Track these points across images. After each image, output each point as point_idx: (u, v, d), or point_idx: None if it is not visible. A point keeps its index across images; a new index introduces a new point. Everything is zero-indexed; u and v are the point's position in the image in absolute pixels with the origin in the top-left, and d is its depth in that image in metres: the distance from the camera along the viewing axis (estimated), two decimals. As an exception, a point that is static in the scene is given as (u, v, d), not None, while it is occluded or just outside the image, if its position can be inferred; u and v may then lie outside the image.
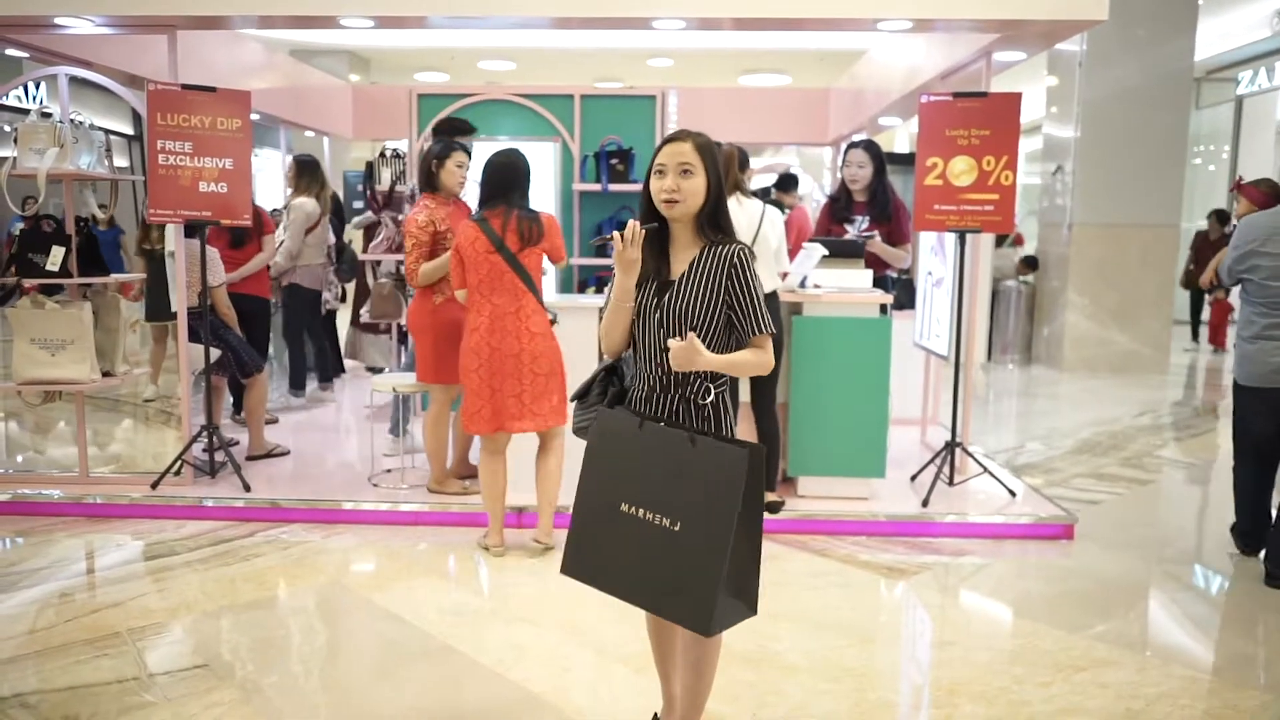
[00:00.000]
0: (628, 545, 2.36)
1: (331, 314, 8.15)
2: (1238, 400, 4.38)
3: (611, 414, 2.49)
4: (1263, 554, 4.32)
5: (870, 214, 5.62)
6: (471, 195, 4.90)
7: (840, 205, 5.72)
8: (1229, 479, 4.64)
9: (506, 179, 4.19)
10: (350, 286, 8.28)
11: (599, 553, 2.42)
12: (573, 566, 2.47)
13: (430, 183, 4.76)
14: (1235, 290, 4.72)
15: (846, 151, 5.74)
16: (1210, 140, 14.42)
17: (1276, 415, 4.18)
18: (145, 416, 7.07)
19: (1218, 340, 11.33)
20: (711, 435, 2.38)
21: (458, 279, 4.24)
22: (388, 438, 5.88)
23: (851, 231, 5.61)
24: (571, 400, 2.71)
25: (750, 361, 2.44)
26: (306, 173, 6.93)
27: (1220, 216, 11.11)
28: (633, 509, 2.35)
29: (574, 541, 2.47)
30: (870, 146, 5.64)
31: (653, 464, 2.36)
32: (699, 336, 2.41)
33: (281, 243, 6.80)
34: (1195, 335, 11.98)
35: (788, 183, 8.51)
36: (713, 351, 2.42)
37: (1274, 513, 4.41)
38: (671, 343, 2.36)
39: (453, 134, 5.21)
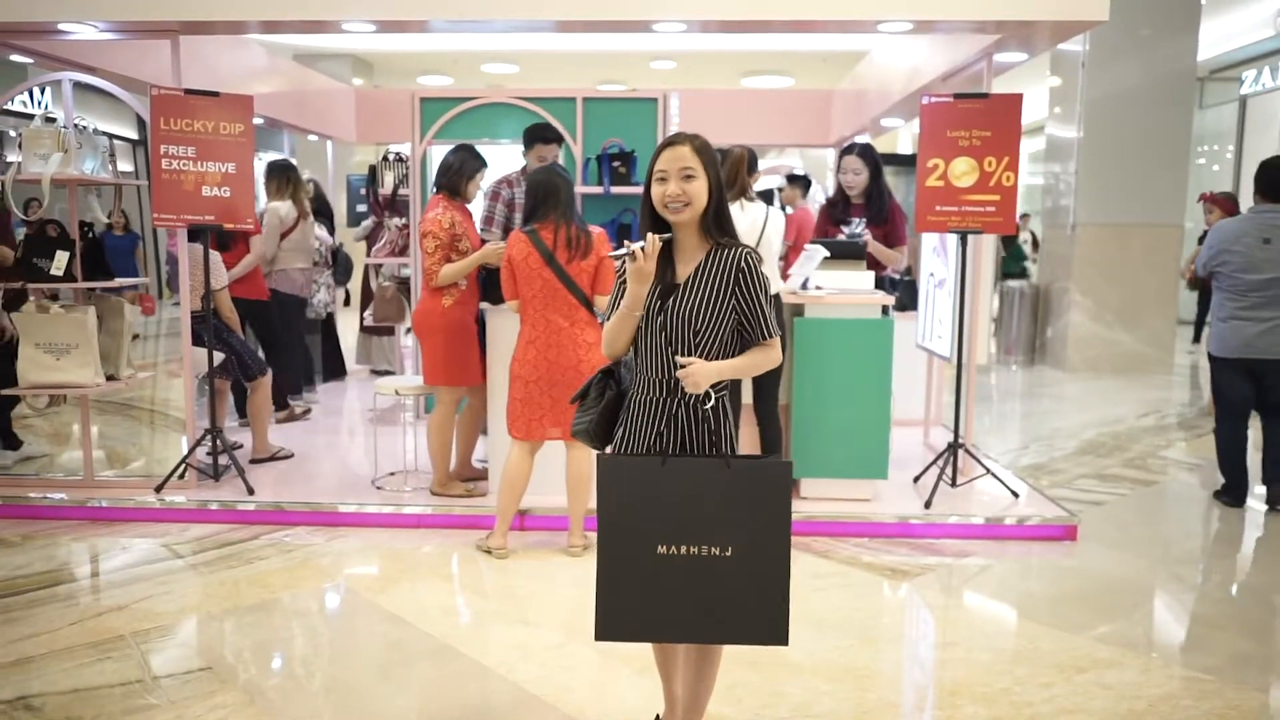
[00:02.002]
0: (676, 587, 2.28)
1: (330, 317, 8.16)
2: (1215, 370, 5.28)
3: (620, 460, 2.39)
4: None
5: (867, 216, 5.64)
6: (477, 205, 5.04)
7: (838, 209, 5.75)
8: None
9: (550, 191, 4.19)
10: (354, 290, 8.30)
11: (643, 604, 2.30)
12: (614, 628, 2.33)
13: (454, 189, 4.82)
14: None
15: (842, 157, 5.74)
16: (1214, 140, 14.39)
17: (1247, 379, 5.13)
18: (150, 420, 7.10)
19: None
20: (731, 454, 2.40)
21: (509, 290, 4.25)
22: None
23: (846, 234, 5.63)
24: (571, 402, 2.72)
25: (759, 361, 2.46)
26: (276, 176, 6.84)
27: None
28: (673, 548, 2.29)
29: (608, 601, 2.33)
30: (865, 152, 5.66)
31: (686, 497, 2.30)
32: (704, 340, 2.42)
33: None
34: (1197, 338, 11.87)
35: (797, 181, 8.52)
36: (719, 355, 2.44)
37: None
38: (681, 373, 2.37)
39: (542, 141, 5.39)
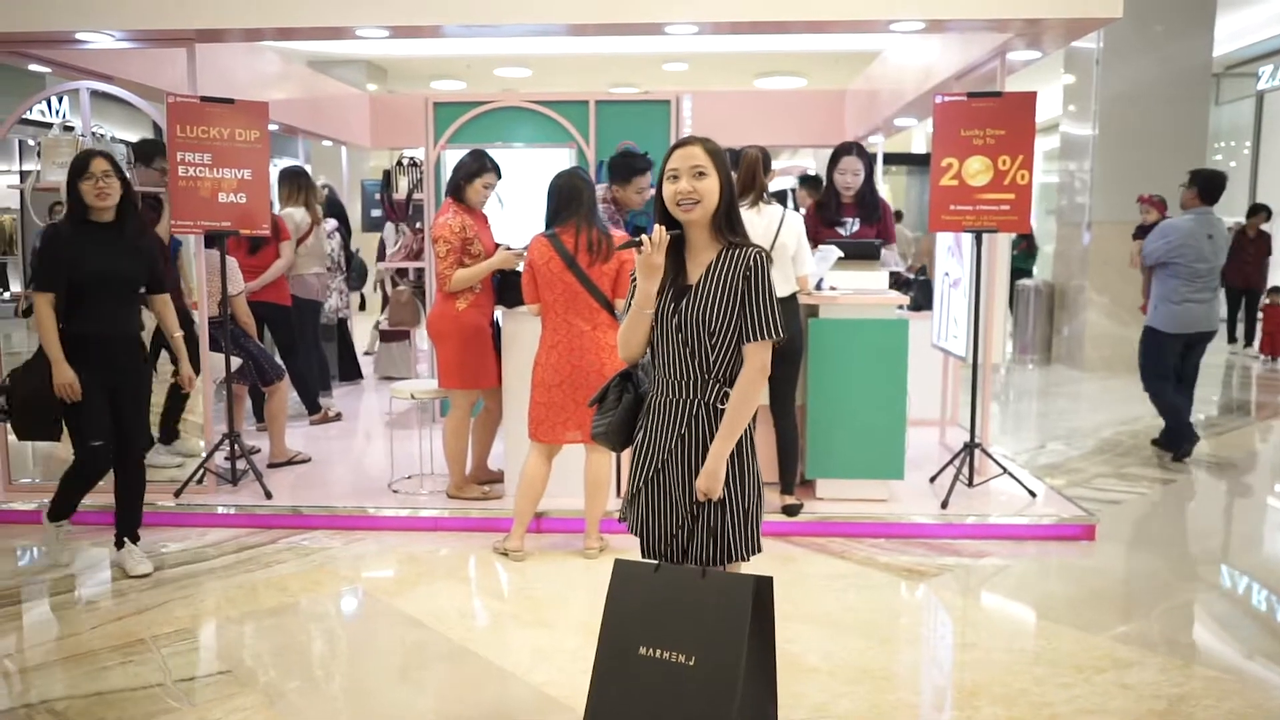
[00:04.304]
0: (647, 690, 2.32)
1: (343, 322, 8.20)
2: (1159, 343, 6.19)
3: (627, 564, 2.46)
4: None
5: (860, 215, 5.59)
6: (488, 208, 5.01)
7: (829, 210, 5.64)
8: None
9: (572, 195, 4.19)
10: (367, 294, 8.32)
11: (625, 704, 2.35)
12: None
13: (457, 193, 4.82)
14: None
15: (841, 157, 5.59)
16: (1230, 136, 14.30)
17: (1185, 349, 6.20)
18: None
19: (1273, 349, 10.76)
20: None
21: (530, 294, 4.27)
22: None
23: (844, 234, 5.58)
24: (589, 405, 2.72)
25: (747, 397, 2.41)
26: (289, 182, 6.93)
27: (1254, 210, 11.08)
28: (650, 650, 2.33)
29: (595, 696, 2.38)
30: (862, 152, 5.62)
31: (668, 602, 2.36)
32: (719, 340, 2.41)
33: None
34: (1232, 336, 11.54)
35: (809, 183, 8.53)
36: (734, 356, 2.43)
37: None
38: (702, 493, 2.40)
39: (630, 173, 5.15)
